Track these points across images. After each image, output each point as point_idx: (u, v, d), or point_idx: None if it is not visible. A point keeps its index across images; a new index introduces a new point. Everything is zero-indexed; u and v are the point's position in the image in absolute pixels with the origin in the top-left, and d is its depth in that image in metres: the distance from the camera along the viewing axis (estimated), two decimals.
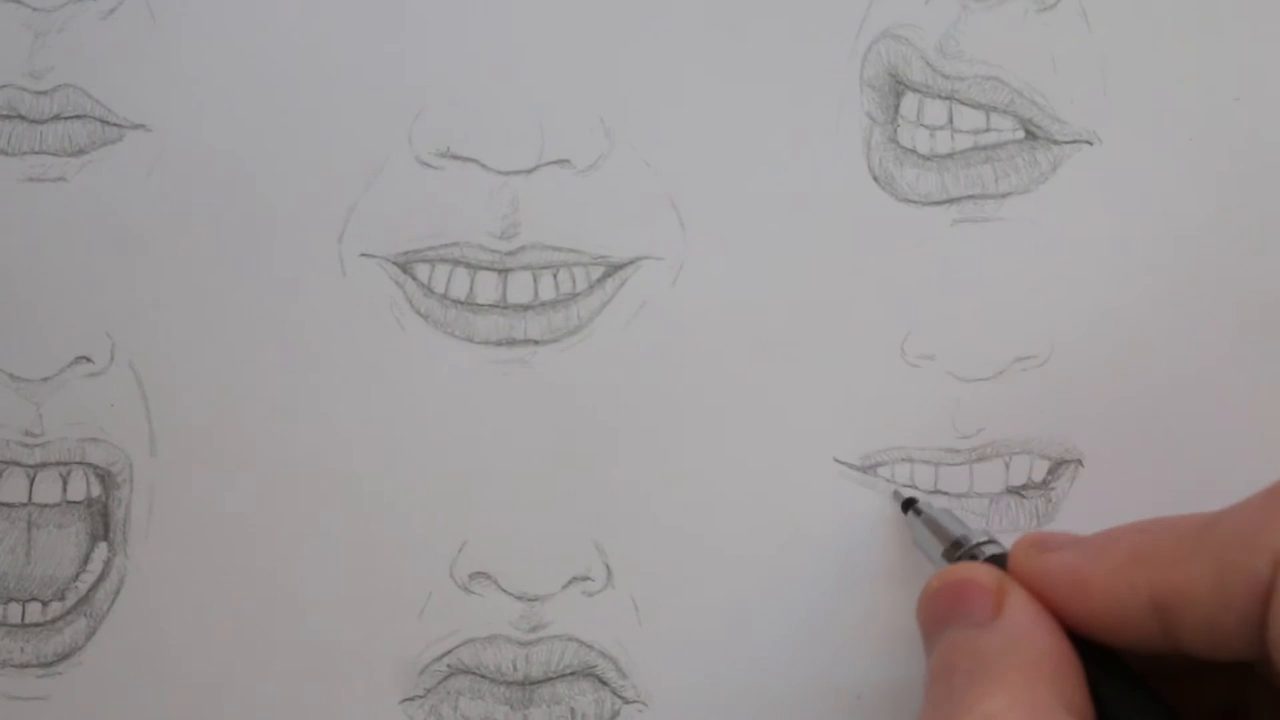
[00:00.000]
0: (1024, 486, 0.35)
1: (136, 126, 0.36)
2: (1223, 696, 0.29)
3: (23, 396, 0.36)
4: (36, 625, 0.35)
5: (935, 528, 0.32)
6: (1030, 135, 0.36)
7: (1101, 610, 0.27)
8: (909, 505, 0.34)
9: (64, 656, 0.35)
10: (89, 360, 0.36)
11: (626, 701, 0.35)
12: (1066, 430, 0.35)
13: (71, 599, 0.35)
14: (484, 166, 0.36)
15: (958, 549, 0.31)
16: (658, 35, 0.36)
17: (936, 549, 0.32)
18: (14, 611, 0.35)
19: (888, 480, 0.35)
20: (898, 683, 0.34)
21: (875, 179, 0.36)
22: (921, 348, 0.36)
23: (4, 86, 0.36)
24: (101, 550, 0.35)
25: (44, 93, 0.36)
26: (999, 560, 0.30)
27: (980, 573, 0.29)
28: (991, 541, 0.31)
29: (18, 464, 0.35)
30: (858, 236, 0.36)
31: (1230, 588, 0.26)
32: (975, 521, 0.35)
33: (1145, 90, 0.36)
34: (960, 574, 0.29)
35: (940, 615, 0.29)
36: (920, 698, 0.32)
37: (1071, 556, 0.28)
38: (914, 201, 0.36)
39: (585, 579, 0.35)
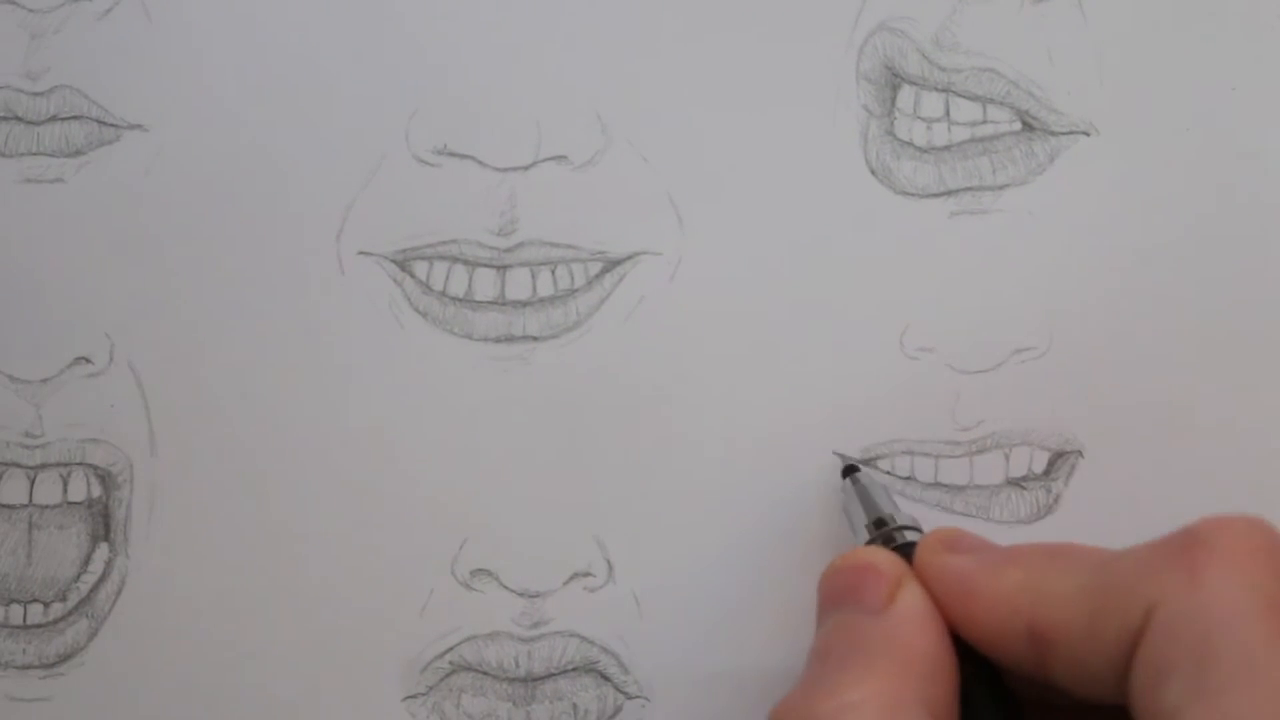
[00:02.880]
0: (1024, 478, 0.35)
1: (134, 127, 0.36)
2: None
3: (22, 398, 0.36)
4: (38, 626, 0.35)
5: (866, 500, 0.32)
6: (1027, 127, 0.36)
7: (983, 625, 0.28)
8: (849, 472, 0.34)
9: (66, 657, 0.35)
10: (88, 361, 0.36)
11: (629, 697, 0.35)
12: (1066, 421, 0.35)
13: (73, 600, 0.35)
14: (481, 163, 0.36)
15: (880, 526, 0.31)
16: (654, 31, 0.36)
17: (861, 520, 0.32)
18: (15, 613, 0.35)
19: (888, 473, 0.35)
20: None
21: (873, 172, 0.36)
22: (920, 340, 0.36)
23: (1, 88, 0.36)
24: (103, 551, 0.35)
25: (41, 94, 0.36)
26: (910, 550, 0.30)
27: (882, 559, 0.29)
28: (914, 529, 0.31)
29: (18, 465, 0.35)
30: (855, 230, 0.36)
31: (1102, 633, 0.26)
32: (965, 510, 0.35)
33: (1142, 81, 0.36)
34: (863, 558, 0.30)
35: (835, 596, 0.29)
36: None
37: (970, 564, 0.28)
38: (911, 194, 0.36)
39: (586, 575, 0.35)
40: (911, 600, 0.28)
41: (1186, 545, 0.26)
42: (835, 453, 0.35)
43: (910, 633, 0.28)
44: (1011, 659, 0.28)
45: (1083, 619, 0.26)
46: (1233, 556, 0.25)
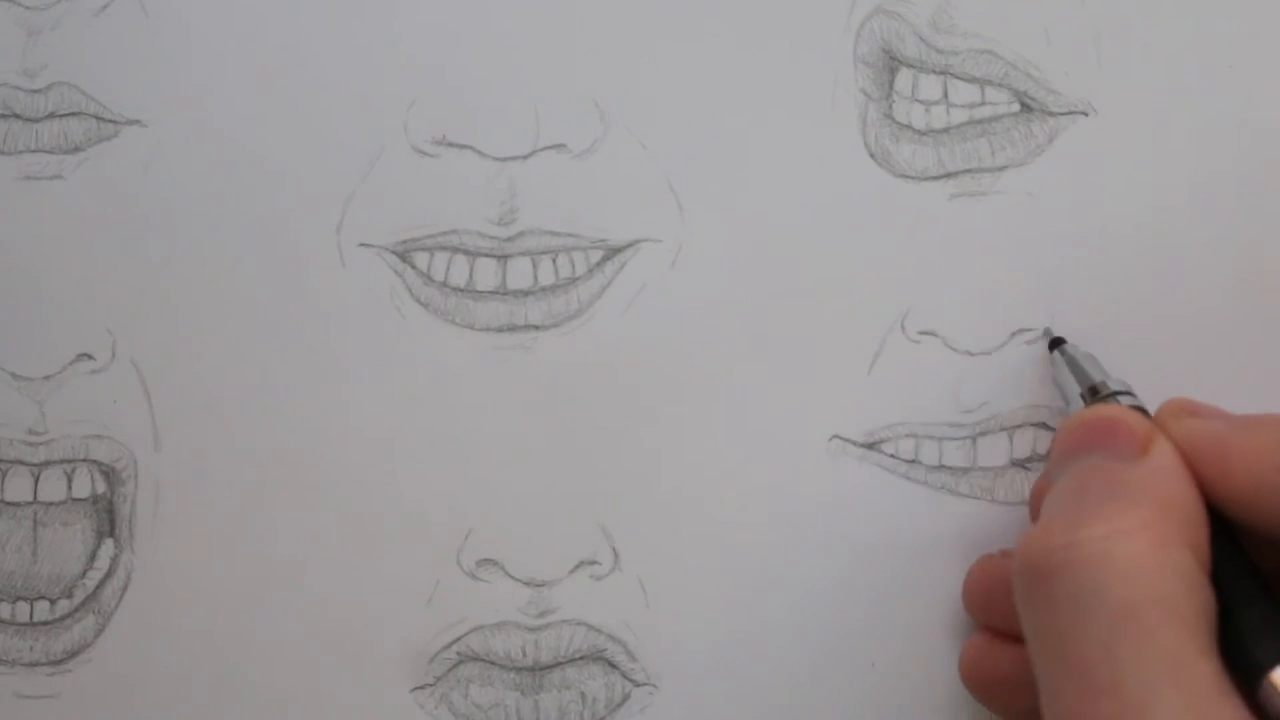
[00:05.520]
0: (1028, 459, 0.35)
1: (132, 122, 0.36)
2: None
3: (25, 395, 0.36)
4: (45, 624, 0.35)
5: (1077, 369, 0.33)
6: (1025, 108, 0.36)
7: (1238, 483, 0.27)
8: (1056, 344, 0.34)
9: (73, 654, 0.35)
10: (90, 357, 0.36)
11: (637, 684, 0.35)
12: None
13: (79, 596, 0.35)
14: (480, 153, 0.36)
15: (1095, 394, 0.32)
16: (651, 17, 0.36)
17: (1074, 390, 0.32)
18: (22, 610, 0.35)
19: (892, 456, 0.35)
20: (907, 654, 0.34)
21: (872, 155, 0.36)
22: (922, 323, 0.36)
23: None
24: (108, 547, 0.35)
25: (38, 91, 0.36)
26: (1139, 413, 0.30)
27: (1130, 416, 0.29)
28: (1130, 394, 0.31)
29: (22, 463, 0.35)
30: (855, 214, 0.36)
31: None
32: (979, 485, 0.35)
33: (1139, 60, 0.36)
34: (1112, 412, 0.29)
35: (1083, 443, 0.29)
36: (931, 666, 0.32)
37: (1220, 425, 0.28)
38: (911, 177, 0.36)
39: (592, 563, 0.35)
40: (1167, 451, 0.28)
41: None
42: (1045, 330, 0.35)
43: (1169, 480, 0.27)
44: (1266, 517, 0.27)
45: None
46: None
